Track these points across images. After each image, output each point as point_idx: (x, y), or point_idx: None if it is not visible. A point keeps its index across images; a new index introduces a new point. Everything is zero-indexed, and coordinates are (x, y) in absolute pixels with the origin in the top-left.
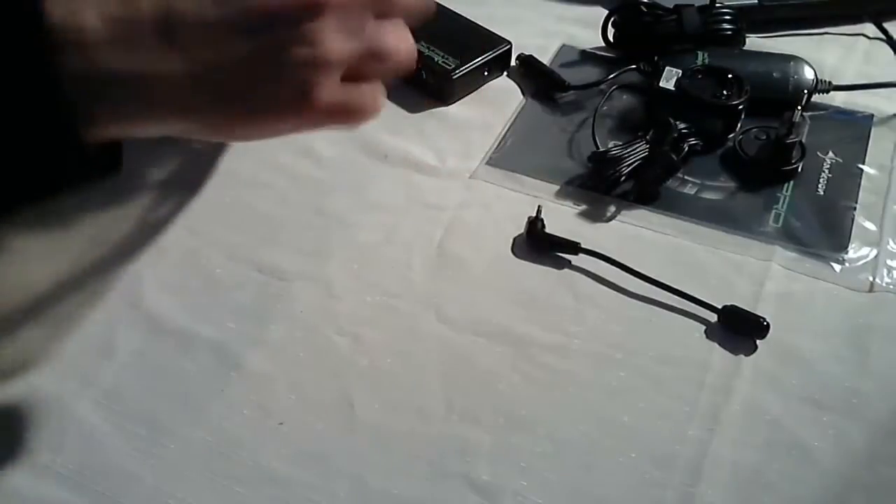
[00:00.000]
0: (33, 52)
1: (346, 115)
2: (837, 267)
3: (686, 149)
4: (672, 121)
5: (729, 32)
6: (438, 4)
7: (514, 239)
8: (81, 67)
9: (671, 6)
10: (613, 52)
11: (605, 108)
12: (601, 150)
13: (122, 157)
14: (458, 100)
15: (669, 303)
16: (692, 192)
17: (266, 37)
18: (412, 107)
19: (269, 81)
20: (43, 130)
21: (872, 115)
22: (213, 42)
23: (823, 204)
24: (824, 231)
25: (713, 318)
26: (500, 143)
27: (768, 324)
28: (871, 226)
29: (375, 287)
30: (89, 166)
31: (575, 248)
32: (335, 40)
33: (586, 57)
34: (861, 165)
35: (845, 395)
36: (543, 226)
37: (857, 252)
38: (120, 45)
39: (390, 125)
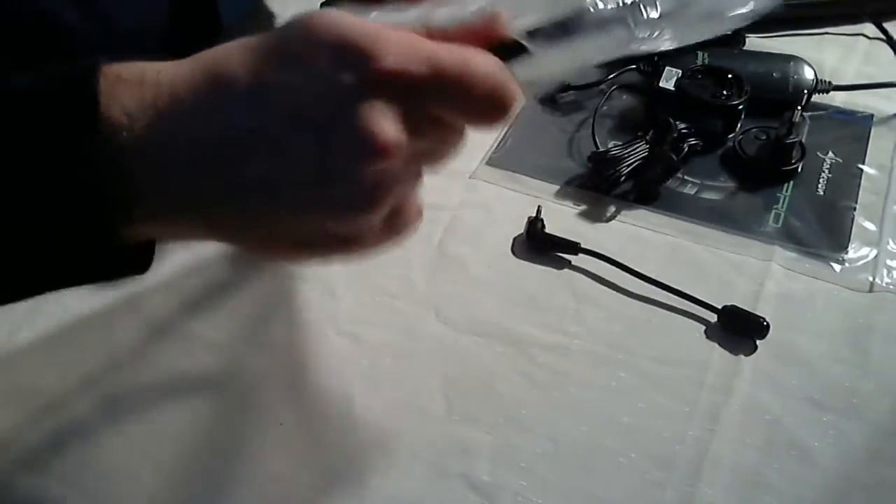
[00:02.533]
0: (85, 150)
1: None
2: (837, 267)
3: (686, 149)
4: (672, 121)
5: (729, 32)
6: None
7: (514, 239)
8: (126, 168)
9: None
10: None
11: (605, 108)
12: (601, 150)
13: (153, 256)
14: None
15: (669, 303)
16: (692, 192)
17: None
18: None
19: (318, 224)
20: (82, 226)
21: (872, 115)
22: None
23: (823, 204)
24: (824, 231)
25: (713, 318)
26: (500, 143)
27: (768, 324)
28: (870, 226)
29: (375, 287)
30: (121, 263)
31: (575, 248)
32: (387, 195)
33: None
34: (861, 165)
35: (845, 395)
36: (543, 226)
37: (857, 252)
38: (165, 148)
39: None
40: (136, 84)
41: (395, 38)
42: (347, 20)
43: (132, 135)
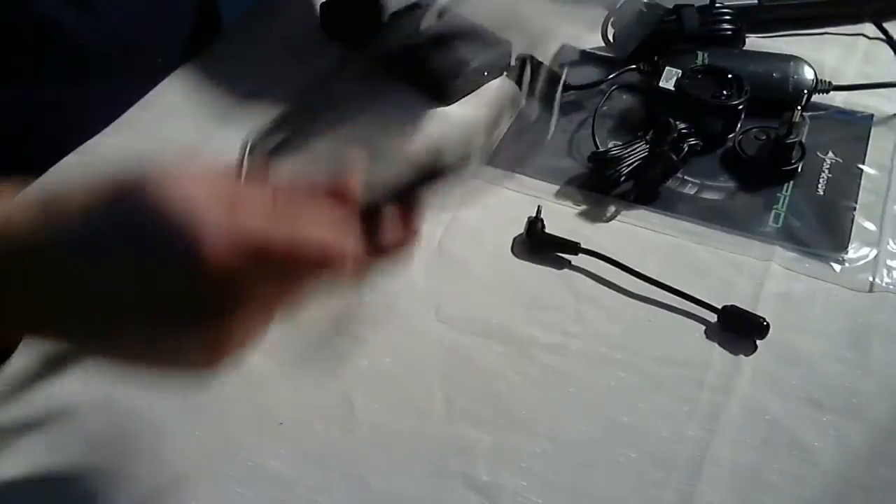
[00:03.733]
0: None
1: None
2: (837, 267)
3: (686, 149)
4: (672, 121)
5: (729, 32)
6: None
7: (514, 239)
8: None
9: (671, 6)
10: (613, 52)
11: (605, 108)
12: (601, 150)
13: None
14: (458, 100)
15: (669, 303)
16: (692, 192)
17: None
18: (412, 107)
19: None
20: None
21: (872, 115)
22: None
23: (823, 204)
24: (824, 231)
25: (713, 318)
26: (500, 143)
27: (768, 324)
28: (871, 226)
29: (375, 287)
30: None
31: (575, 248)
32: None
33: (586, 57)
34: (861, 165)
35: (845, 395)
36: (543, 226)
37: (857, 252)
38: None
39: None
40: None
41: (222, 224)
42: (182, 195)
43: None
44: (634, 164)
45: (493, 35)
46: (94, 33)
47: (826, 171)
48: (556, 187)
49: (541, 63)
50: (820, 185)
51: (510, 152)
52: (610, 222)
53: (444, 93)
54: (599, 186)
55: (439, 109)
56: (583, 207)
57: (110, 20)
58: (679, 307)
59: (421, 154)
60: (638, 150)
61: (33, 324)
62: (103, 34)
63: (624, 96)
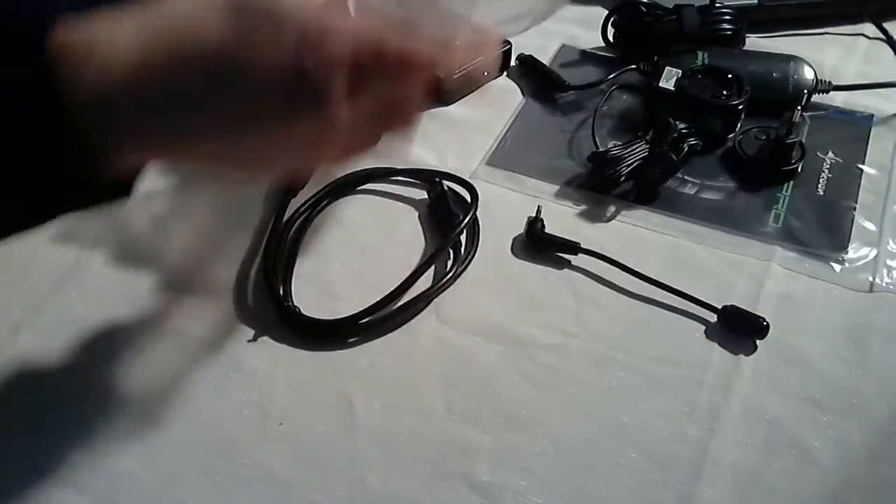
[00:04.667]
0: (41, 80)
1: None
2: (837, 267)
3: (686, 149)
4: (672, 121)
5: (729, 32)
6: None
7: (514, 239)
8: (100, 97)
9: (671, 6)
10: (613, 52)
11: (605, 108)
12: (601, 150)
13: (134, 185)
14: (458, 100)
15: (669, 303)
16: (692, 192)
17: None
18: None
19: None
20: (56, 156)
21: (872, 115)
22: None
23: (823, 204)
24: (824, 231)
25: (713, 318)
26: (500, 143)
27: (768, 324)
28: (870, 226)
29: (375, 287)
30: (100, 191)
31: (575, 248)
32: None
33: (586, 57)
34: (861, 165)
35: (845, 395)
36: (543, 226)
37: (857, 252)
38: (142, 75)
39: None
40: (86, 59)
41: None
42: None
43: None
44: (634, 164)
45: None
46: None
47: (826, 171)
48: (556, 187)
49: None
50: (820, 185)
51: (510, 152)
52: (610, 222)
53: (444, 93)
54: (599, 186)
55: (439, 109)
56: (583, 207)
57: None
58: (679, 307)
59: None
60: (638, 150)
61: (148, 135)
62: None
63: (624, 96)
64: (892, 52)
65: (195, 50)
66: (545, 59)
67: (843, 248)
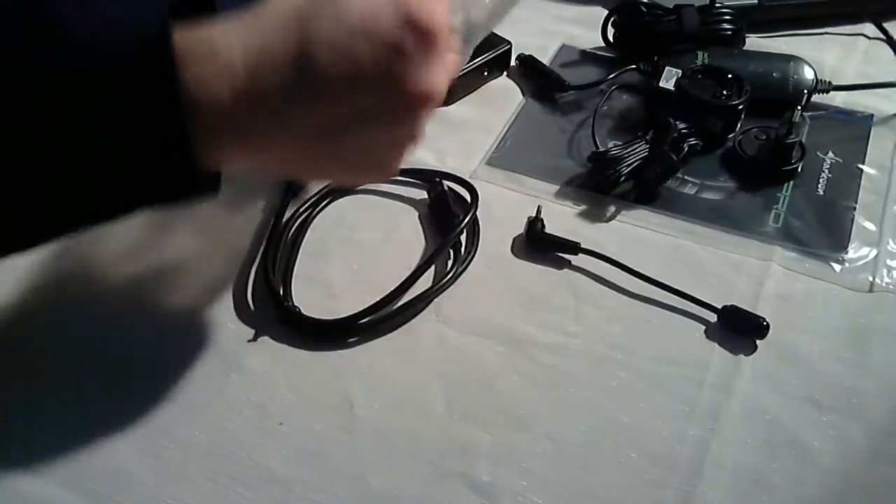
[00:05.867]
0: (165, 94)
1: None
2: (837, 267)
3: (686, 149)
4: (672, 121)
5: (729, 32)
6: None
7: (514, 239)
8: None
9: (671, 6)
10: (613, 52)
11: (605, 108)
12: (601, 150)
13: (220, 183)
14: (458, 100)
15: (669, 303)
16: (692, 192)
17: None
18: None
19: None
20: (163, 157)
21: (872, 115)
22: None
23: (823, 204)
24: (824, 231)
25: (713, 318)
26: (500, 143)
27: (768, 324)
28: (871, 226)
29: (375, 287)
30: (197, 188)
31: (575, 248)
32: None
33: (586, 57)
34: (861, 165)
35: (845, 395)
36: (543, 226)
37: (857, 252)
38: (255, 86)
39: None
40: (208, 61)
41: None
42: None
43: (213, 108)
44: (634, 164)
45: (493, 35)
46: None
47: (826, 171)
48: (556, 187)
49: (541, 63)
50: (820, 185)
51: (510, 152)
52: (610, 222)
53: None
54: (599, 186)
55: (439, 109)
56: (583, 207)
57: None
58: (679, 307)
59: None
60: (638, 150)
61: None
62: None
63: (624, 96)
64: (892, 52)
65: (311, 55)
66: (545, 59)
67: (843, 248)
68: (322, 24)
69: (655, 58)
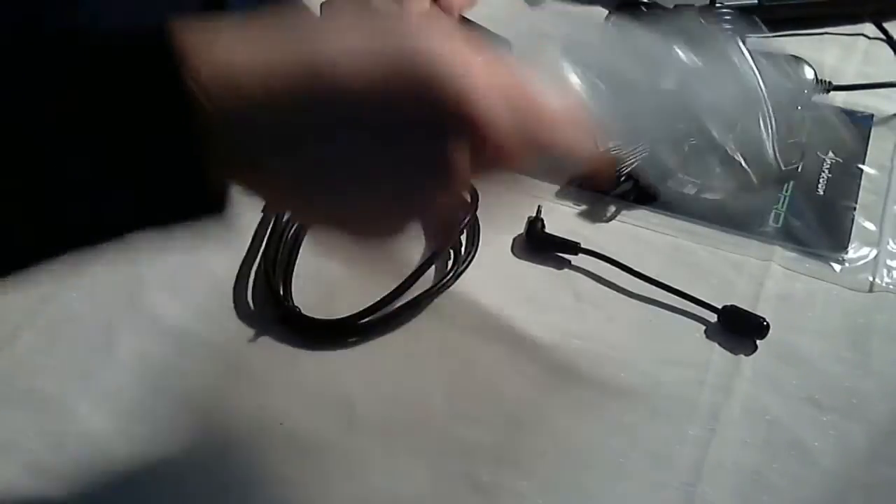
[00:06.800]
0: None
1: None
2: (837, 267)
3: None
4: None
5: (729, 32)
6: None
7: (514, 239)
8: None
9: (671, 6)
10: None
11: None
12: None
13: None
14: None
15: (669, 303)
16: (692, 192)
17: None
18: None
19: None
20: (164, 159)
21: (872, 115)
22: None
23: (823, 204)
24: (824, 231)
25: (713, 318)
26: None
27: (768, 324)
28: (871, 226)
29: (375, 287)
30: (202, 202)
31: (575, 248)
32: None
33: None
34: (861, 165)
35: (845, 395)
36: (543, 226)
37: (857, 252)
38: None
39: None
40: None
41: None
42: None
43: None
44: (634, 164)
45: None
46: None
47: (826, 171)
48: (556, 187)
49: None
50: (820, 185)
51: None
52: (610, 222)
53: None
54: (599, 186)
55: None
56: (583, 207)
57: (105, 23)
58: (679, 307)
59: None
60: (638, 150)
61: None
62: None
63: None
64: (892, 52)
65: (334, 88)
66: None
67: (843, 248)
68: (331, 37)
69: None
